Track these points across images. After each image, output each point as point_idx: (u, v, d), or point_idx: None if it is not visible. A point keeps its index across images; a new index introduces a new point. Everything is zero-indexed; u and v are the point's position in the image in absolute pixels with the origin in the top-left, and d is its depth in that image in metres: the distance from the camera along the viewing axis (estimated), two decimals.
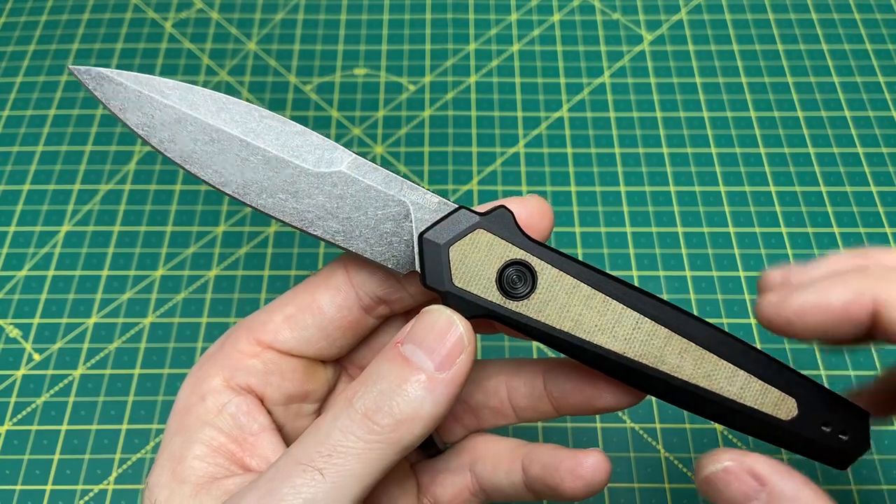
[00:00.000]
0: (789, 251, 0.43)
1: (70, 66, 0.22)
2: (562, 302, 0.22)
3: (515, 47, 0.51)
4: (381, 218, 0.23)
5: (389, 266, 0.23)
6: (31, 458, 0.37)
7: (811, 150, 0.47)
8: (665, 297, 0.41)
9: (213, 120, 0.22)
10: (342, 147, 0.23)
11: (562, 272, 0.22)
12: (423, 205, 0.23)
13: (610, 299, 0.22)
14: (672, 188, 0.45)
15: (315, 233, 0.23)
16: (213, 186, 0.23)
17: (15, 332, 0.41)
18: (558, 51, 0.51)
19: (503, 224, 0.22)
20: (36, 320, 0.41)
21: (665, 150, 0.47)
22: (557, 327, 0.22)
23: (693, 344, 0.22)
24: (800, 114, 0.48)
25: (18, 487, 0.36)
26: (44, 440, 0.37)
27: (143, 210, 0.44)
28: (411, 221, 0.23)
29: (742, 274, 0.42)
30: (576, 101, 0.49)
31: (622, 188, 0.45)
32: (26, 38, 0.52)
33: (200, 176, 0.22)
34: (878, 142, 0.47)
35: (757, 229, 0.44)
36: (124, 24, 0.52)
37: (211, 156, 0.22)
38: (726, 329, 0.29)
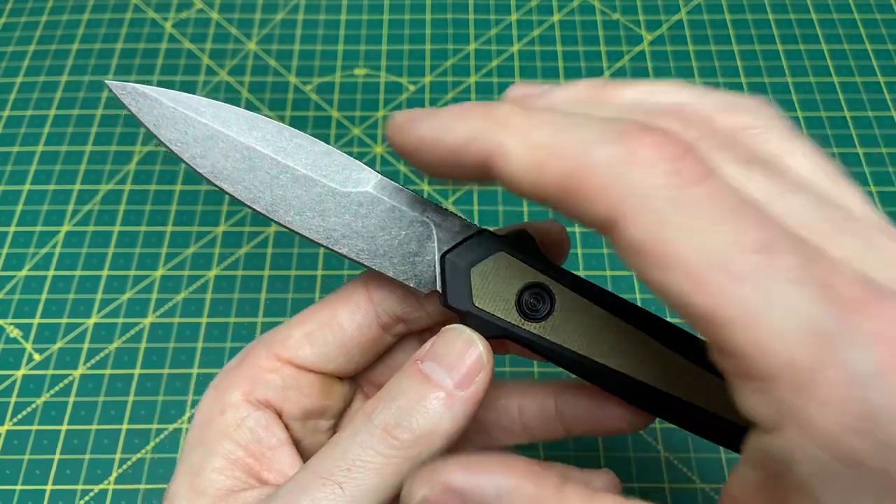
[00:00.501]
0: None
1: (108, 82, 0.23)
2: (578, 324, 0.23)
3: (515, 47, 0.51)
4: (404, 238, 0.23)
5: (411, 285, 0.23)
6: (31, 458, 0.37)
7: None
8: None
9: (244, 138, 0.23)
10: (368, 167, 0.24)
11: (578, 296, 0.23)
12: (446, 226, 0.23)
13: (624, 323, 0.22)
14: None
15: (341, 251, 0.23)
16: (244, 203, 0.23)
17: (15, 333, 0.41)
18: (558, 51, 0.51)
19: (524, 247, 0.23)
20: (36, 320, 0.41)
21: None
22: (572, 349, 0.23)
23: (708, 373, 0.22)
24: (799, 114, 0.48)
25: (19, 487, 0.36)
26: (44, 440, 0.38)
27: (143, 210, 0.45)
28: (434, 242, 0.23)
29: None
30: None
31: None
32: (26, 38, 0.52)
33: (230, 192, 0.23)
34: (878, 142, 0.47)
35: None
36: (124, 24, 0.52)
37: (241, 173, 0.23)
38: None
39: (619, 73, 0.50)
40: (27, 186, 0.45)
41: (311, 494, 0.20)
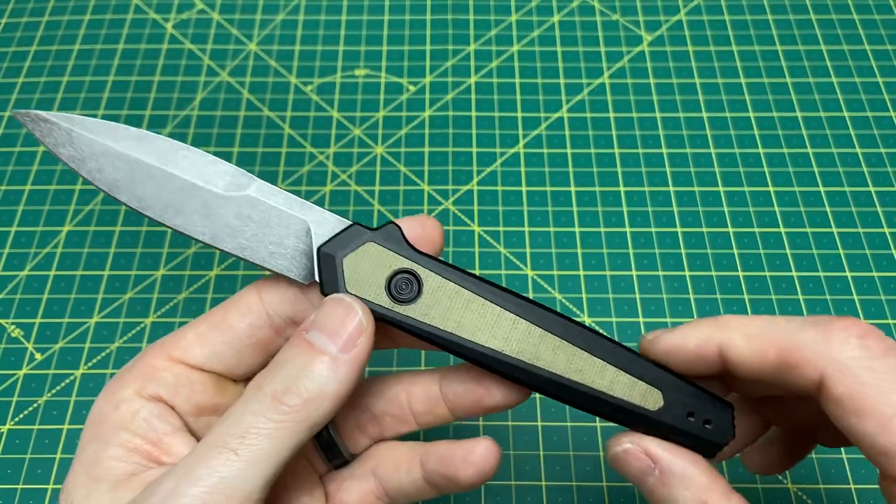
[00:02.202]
0: (788, 251, 0.43)
1: (13, 112, 0.26)
2: (445, 306, 0.25)
3: (515, 48, 0.51)
4: (284, 235, 0.26)
5: (293, 277, 0.25)
6: (32, 458, 0.37)
7: (810, 150, 0.47)
8: (664, 296, 0.42)
9: (133, 152, 0.25)
10: (252, 175, 0.26)
11: (445, 279, 0.25)
12: (322, 222, 0.25)
13: (488, 303, 0.25)
14: (671, 188, 0.45)
15: (224, 248, 0.26)
16: (138, 211, 0.25)
17: (17, 332, 0.41)
18: (558, 51, 0.51)
19: (391, 238, 0.25)
20: (37, 320, 0.41)
21: (664, 150, 0.47)
22: (442, 328, 0.25)
23: (565, 341, 0.25)
24: (798, 114, 0.48)
25: (20, 486, 0.36)
26: (45, 439, 0.38)
27: None
28: (311, 237, 0.25)
29: (741, 274, 0.42)
30: (575, 102, 0.49)
31: (622, 188, 0.45)
32: (28, 38, 0.52)
33: (124, 201, 0.25)
34: (877, 142, 0.47)
35: (756, 229, 0.44)
36: (125, 25, 0.52)
37: (133, 184, 0.25)
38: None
39: (619, 74, 0.50)
40: (29, 186, 0.46)
41: (207, 462, 0.21)
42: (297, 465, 0.28)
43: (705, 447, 0.24)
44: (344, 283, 0.25)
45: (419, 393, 0.28)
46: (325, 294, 0.25)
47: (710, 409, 0.24)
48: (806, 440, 0.29)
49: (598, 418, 0.38)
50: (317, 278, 0.25)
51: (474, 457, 0.26)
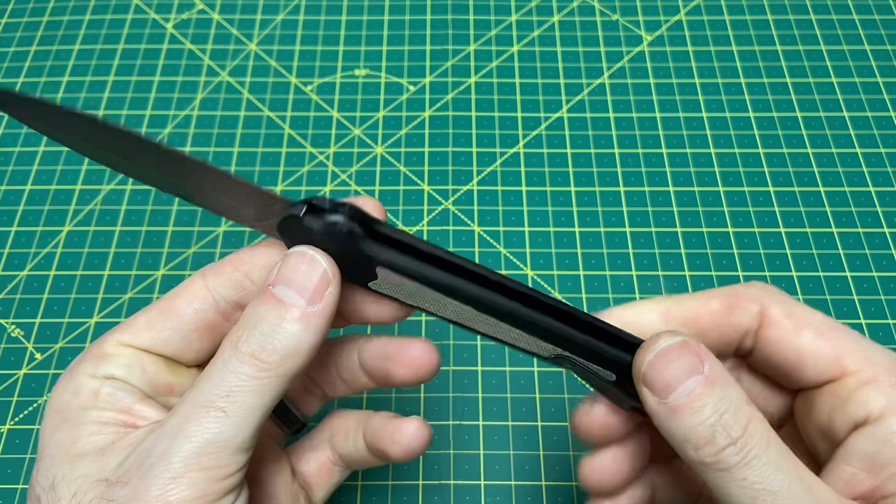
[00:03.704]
0: (788, 251, 0.43)
1: None
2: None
3: (515, 48, 0.51)
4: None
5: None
6: (32, 458, 0.37)
7: (810, 150, 0.47)
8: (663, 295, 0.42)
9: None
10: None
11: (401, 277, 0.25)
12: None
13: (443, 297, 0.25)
14: (671, 188, 0.45)
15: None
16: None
17: (17, 332, 0.41)
18: (558, 51, 0.51)
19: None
20: (38, 320, 0.41)
21: (664, 150, 0.47)
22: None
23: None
24: (798, 114, 0.48)
25: (20, 486, 0.36)
26: None
27: (144, 210, 0.45)
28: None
29: (741, 274, 0.42)
30: (575, 102, 0.49)
31: (621, 188, 0.45)
32: (28, 38, 0.52)
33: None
34: (877, 142, 0.47)
35: (756, 229, 0.44)
36: (126, 25, 0.52)
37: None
38: None
39: (619, 74, 0.50)
40: (29, 186, 0.46)
41: (197, 421, 0.22)
42: (265, 438, 0.29)
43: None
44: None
45: (345, 361, 0.29)
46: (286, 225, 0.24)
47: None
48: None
49: None
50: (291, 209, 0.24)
51: (402, 435, 0.27)
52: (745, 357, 0.26)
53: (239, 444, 0.22)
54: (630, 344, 0.24)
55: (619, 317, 0.25)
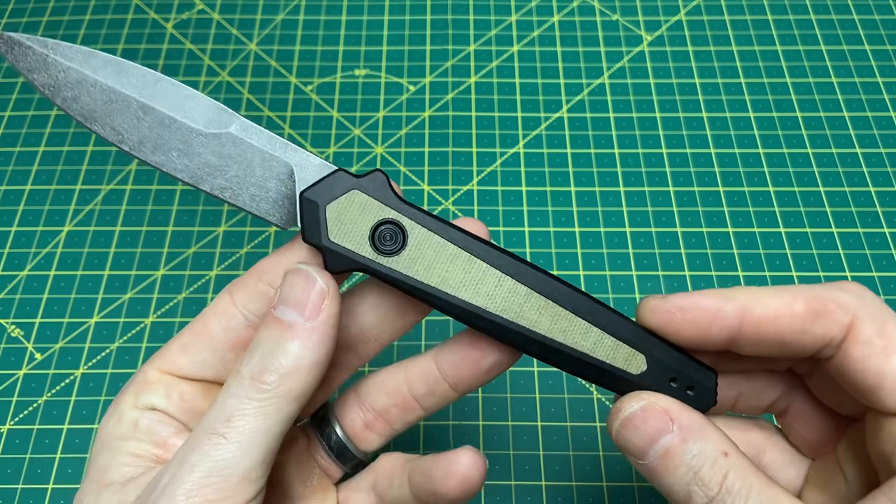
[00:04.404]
0: (788, 251, 0.43)
1: None
2: (430, 259, 0.24)
3: (515, 48, 0.51)
4: (266, 177, 0.25)
5: (274, 221, 0.25)
6: (32, 458, 0.37)
7: (810, 150, 0.47)
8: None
9: (111, 82, 0.24)
10: (232, 111, 0.25)
11: (431, 232, 0.24)
12: (305, 165, 0.24)
13: (474, 258, 0.24)
14: (671, 188, 0.45)
15: (203, 188, 0.25)
16: (112, 142, 0.25)
17: (17, 332, 0.41)
18: (558, 51, 0.51)
19: (377, 186, 0.24)
20: (37, 320, 0.41)
21: (664, 150, 0.47)
22: (425, 282, 0.24)
23: (550, 301, 0.24)
24: (798, 114, 0.48)
25: (20, 486, 0.36)
26: (45, 439, 0.38)
27: (144, 210, 0.45)
28: (294, 181, 0.25)
29: (741, 274, 0.42)
30: (575, 102, 0.49)
31: (621, 188, 0.45)
32: None
33: (99, 132, 0.25)
34: (877, 142, 0.47)
35: (756, 229, 0.44)
36: (126, 25, 0.52)
37: (109, 114, 0.24)
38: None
39: (619, 74, 0.50)
40: (29, 186, 0.46)
41: (199, 449, 0.22)
42: (308, 474, 0.28)
43: None
44: (326, 231, 0.24)
45: (417, 376, 0.27)
46: (305, 241, 0.24)
47: (694, 374, 0.24)
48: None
49: (598, 419, 0.38)
50: (298, 225, 0.24)
51: (456, 467, 0.25)
52: (822, 362, 0.24)
53: (243, 471, 0.22)
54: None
55: (694, 308, 0.23)
